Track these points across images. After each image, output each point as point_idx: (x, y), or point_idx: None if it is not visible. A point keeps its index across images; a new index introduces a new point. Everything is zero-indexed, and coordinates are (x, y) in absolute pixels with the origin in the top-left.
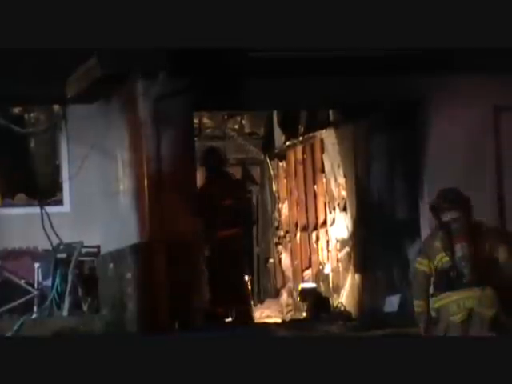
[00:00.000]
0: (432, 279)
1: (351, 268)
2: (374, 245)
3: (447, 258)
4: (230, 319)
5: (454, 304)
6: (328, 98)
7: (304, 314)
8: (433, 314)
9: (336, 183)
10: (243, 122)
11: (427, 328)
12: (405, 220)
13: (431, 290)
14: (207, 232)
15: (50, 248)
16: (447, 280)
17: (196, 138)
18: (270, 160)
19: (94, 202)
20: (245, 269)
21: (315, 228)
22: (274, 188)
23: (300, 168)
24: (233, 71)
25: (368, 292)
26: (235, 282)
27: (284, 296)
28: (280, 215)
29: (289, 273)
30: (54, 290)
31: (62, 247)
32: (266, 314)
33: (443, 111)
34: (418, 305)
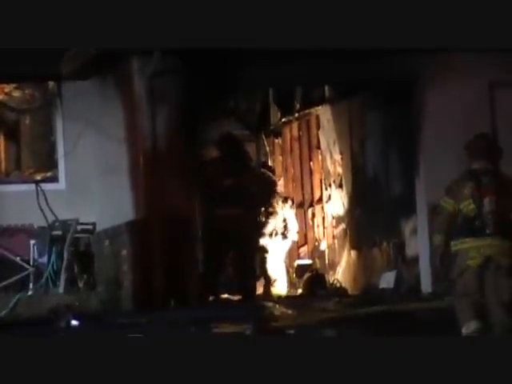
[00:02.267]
0: (456, 220)
1: (347, 245)
2: (369, 222)
3: (473, 206)
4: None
5: (473, 250)
6: (324, 75)
7: (300, 291)
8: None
9: (332, 160)
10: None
11: (442, 261)
12: (400, 197)
13: (453, 232)
14: (208, 210)
15: (46, 225)
16: (471, 227)
17: None
18: (266, 137)
19: (90, 179)
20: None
21: (311, 205)
22: (270, 164)
23: (296, 145)
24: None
25: (364, 268)
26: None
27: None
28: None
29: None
30: (50, 267)
31: (57, 224)
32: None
33: (438, 88)
34: (437, 238)
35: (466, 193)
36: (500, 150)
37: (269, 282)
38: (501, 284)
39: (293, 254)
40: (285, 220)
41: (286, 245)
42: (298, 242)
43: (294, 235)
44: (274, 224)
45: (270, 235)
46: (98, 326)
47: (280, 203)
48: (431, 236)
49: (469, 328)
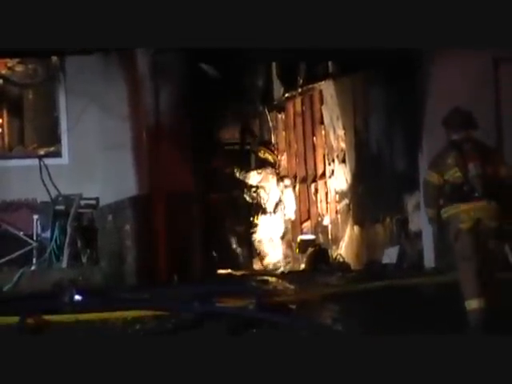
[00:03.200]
0: (443, 191)
1: (350, 220)
2: (372, 197)
3: (459, 174)
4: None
5: (464, 213)
6: (327, 50)
7: (303, 266)
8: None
9: (335, 135)
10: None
11: (439, 231)
12: (403, 172)
13: (442, 201)
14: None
15: (49, 200)
16: (460, 193)
17: None
18: (269, 112)
19: (93, 154)
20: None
21: (314, 180)
22: (273, 140)
23: (299, 120)
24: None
25: (367, 244)
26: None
27: (283, 248)
28: (279, 167)
29: (287, 224)
30: (53, 242)
31: (60, 199)
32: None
33: (442, 64)
34: (429, 212)
35: (450, 162)
36: (475, 120)
37: (262, 258)
38: (491, 245)
39: (296, 229)
40: (280, 198)
41: (280, 222)
42: (300, 218)
43: (290, 212)
44: (270, 202)
45: (264, 212)
46: (102, 301)
47: (275, 182)
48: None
49: (470, 305)
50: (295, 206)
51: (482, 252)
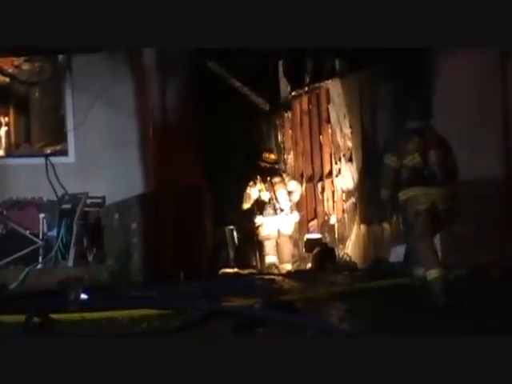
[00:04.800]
0: (401, 174)
1: (356, 219)
2: (379, 195)
3: (419, 159)
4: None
5: (422, 196)
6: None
7: (309, 265)
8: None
9: (342, 133)
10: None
11: (392, 212)
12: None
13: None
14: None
15: (55, 198)
16: (420, 177)
17: None
18: (276, 111)
19: (100, 152)
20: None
21: (321, 179)
22: (280, 139)
23: (305, 118)
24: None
25: (373, 242)
26: None
27: (290, 246)
28: (286, 166)
29: (294, 223)
30: (59, 241)
31: (66, 198)
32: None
33: (449, 59)
34: (384, 193)
35: (411, 148)
36: (431, 110)
37: (269, 257)
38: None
39: (302, 228)
40: (276, 198)
41: (287, 220)
42: (307, 216)
43: (297, 211)
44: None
45: (262, 212)
46: (108, 300)
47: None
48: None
49: (431, 275)
50: (302, 204)
51: (435, 230)
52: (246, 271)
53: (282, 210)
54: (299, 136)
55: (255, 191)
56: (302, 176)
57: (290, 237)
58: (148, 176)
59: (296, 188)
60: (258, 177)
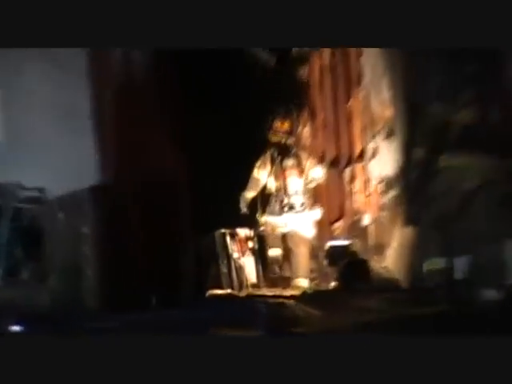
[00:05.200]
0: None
1: (400, 218)
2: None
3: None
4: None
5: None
6: None
7: (333, 284)
8: None
9: (379, 99)
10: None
11: None
12: None
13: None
14: None
15: None
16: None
17: None
18: (286, 67)
19: (37, 127)
20: None
21: (349, 163)
22: (291, 107)
23: (327, 77)
24: None
25: (423, 252)
26: None
27: (305, 258)
28: (299, 144)
29: (312, 226)
30: None
31: None
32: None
33: None
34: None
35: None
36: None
37: (276, 273)
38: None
39: (324, 231)
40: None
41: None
42: (330, 216)
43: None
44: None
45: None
46: (51, 331)
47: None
48: None
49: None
50: (322, 199)
51: None
52: (243, 293)
53: (291, 208)
54: (318, 102)
55: (264, 174)
56: (322, 159)
57: (306, 243)
58: (105, 161)
59: (320, 177)
60: (269, 154)
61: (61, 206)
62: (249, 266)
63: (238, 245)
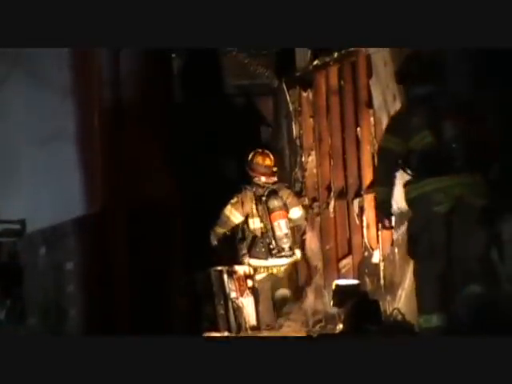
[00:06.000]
0: (406, 163)
1: (414, 255)
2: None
3: (430, 139)
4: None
5: (439, 192)
6: None
7: (341, 326)
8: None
9: None
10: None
11: (390, 220)
12: (496, 179)
13: (403, 177)
14: None
15: None
16: (431, 164)
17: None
18: (289, 88)
19: (18, 152)
20: None
21: (358, 193)
22: (295, 131)
23: (335, 100)
24: None
25: (440, 290)
26: None
27: (310, 298)
28: (304, 173)
29: (317, 262)
30: None
31: None
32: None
33: None
34: (381, 192)
35: (417, 122)
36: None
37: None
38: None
39: (330, 269)
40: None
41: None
42: (337, 252)
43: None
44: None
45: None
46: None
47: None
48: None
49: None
50: (329, 233)
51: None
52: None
53: (279, 252)
54: (325, 127)
55: (238, 214)
56: (328, 189)
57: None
58: (92, 190)
59: (298, 218)
60: (248, 193)
61: (43, 239)
62: (248, 307)
63: (236, 283)
